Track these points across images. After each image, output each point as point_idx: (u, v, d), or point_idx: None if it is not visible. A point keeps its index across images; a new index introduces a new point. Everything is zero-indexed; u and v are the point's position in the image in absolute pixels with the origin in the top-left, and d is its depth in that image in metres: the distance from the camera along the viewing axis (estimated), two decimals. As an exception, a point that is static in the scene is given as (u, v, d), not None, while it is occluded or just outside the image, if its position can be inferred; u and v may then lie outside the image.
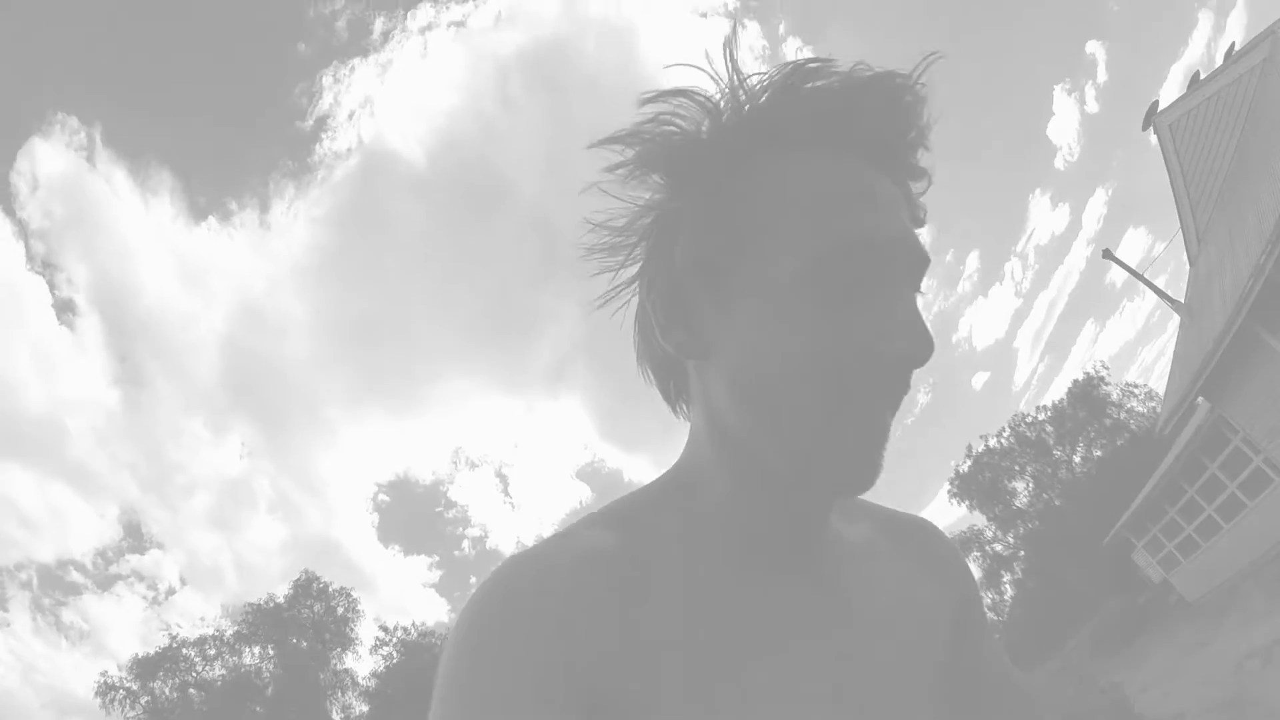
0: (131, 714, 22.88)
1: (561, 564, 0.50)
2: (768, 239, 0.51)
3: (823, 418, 0.50)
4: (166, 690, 23.67)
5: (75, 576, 35.92)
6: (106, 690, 22.97)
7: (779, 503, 0.56)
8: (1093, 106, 74.50)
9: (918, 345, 0.49)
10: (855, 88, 0.51)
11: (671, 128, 0.53)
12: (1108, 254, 15.83)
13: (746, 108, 0.52)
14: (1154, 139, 14.33)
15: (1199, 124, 13.39)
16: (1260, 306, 10.49)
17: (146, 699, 23.30)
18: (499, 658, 0.44)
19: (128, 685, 23.24)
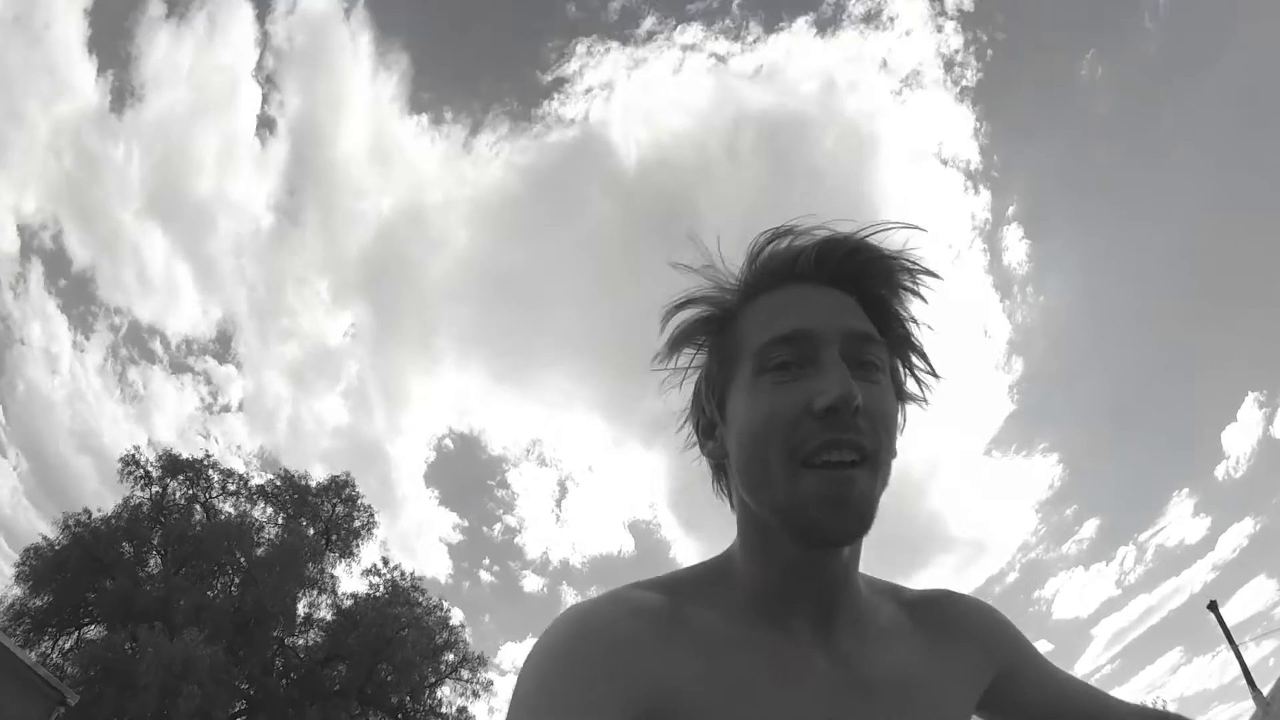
0: (140, 495, 22.18)
1: (616, 613, 0.64)
2: (740, 356, 0.70)
3: (787, 473, 0.63)
4: (177, 495, 23.01)
5: (156, 347, 37.08)
6: (132, 464, 22.48)
7: (791, 573, 0.68)
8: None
9: (837, 392, 0.61)
10: (797, 241, 0.71)
11: (697, 309, 0.75)
12: (1213, 607, 15.08)
13: (733, 283, 0.73)
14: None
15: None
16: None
17: (158, 491, 22.62)
18: (558, 685, 0.57)
19: (150, 470, 22.70)
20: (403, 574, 24.99)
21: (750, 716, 0.62)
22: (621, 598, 0.66)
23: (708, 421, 0.74)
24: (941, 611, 0.78)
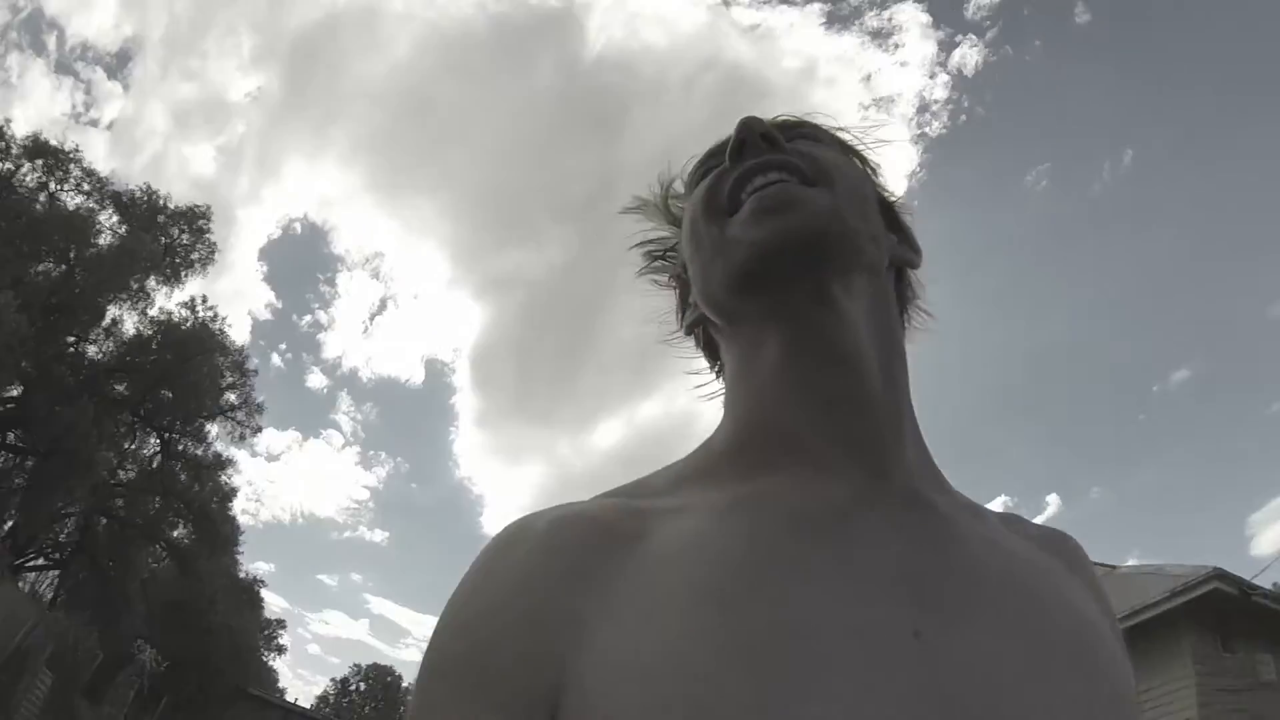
0: None
1: (536, 527, 0.49)
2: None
3: (719, 232, 0.55)
4: (29, 178, 24.15)
5: (50, 41, 34.48)
6: (-7, 132, 23.19)
7: (787, 373, 0.53)
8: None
9: (740, 125, 0.58)
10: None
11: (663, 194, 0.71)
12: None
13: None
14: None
15: None
16: None
17: (10, 168, 23.57)
18: (463, 617, 0.46)
19: (12, 145, 23.63)
20: (216, 316, 26.18)
21: (766, 578, 0.42)
22: (550, 512, 0.50)
23: (682, 289, 0.68)
24: (1074, 554, 0.56)
